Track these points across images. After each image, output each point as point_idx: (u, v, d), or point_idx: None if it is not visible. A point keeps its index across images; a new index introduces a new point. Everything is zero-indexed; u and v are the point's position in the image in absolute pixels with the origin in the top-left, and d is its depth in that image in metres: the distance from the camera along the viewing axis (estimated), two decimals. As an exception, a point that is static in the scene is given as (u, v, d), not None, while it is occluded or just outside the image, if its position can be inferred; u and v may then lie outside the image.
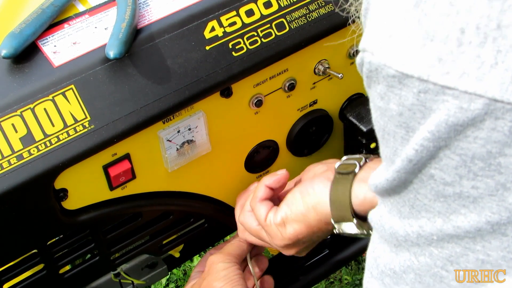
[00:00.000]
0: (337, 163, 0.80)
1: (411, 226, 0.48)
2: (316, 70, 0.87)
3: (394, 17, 0.44)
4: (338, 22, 0.84)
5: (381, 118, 0.48)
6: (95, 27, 0.78)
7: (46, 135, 0.70)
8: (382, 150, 0.50)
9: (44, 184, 0.71)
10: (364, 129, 0.91)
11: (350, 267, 1.93)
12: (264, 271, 0.93)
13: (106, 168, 0.76)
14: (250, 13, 0.80)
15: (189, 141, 0.80)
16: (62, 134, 0.71)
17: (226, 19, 0.79)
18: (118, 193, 0.79)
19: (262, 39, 0.80)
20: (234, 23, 0.79)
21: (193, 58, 0.77)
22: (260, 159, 0.92)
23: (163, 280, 2.00)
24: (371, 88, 0.47)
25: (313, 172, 0.86)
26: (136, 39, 0.76)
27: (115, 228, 0.84)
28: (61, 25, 0.78)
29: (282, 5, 0.81)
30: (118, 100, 0.73)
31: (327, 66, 0.87)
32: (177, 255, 1.07)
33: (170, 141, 0.79)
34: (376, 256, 0.52)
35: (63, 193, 0.74)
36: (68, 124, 0.71)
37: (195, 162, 0.83)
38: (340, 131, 0.97)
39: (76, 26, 0.78)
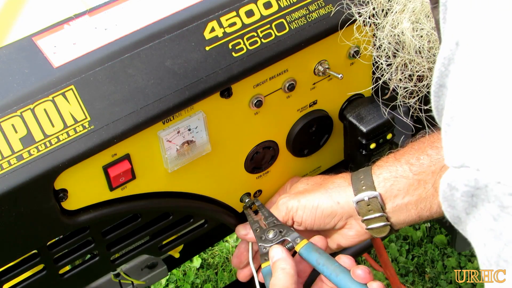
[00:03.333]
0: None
1: None
2: (316, 71, 0.87)
3: (506, 128, 0.39)
4: (337, 23, 0.84)
5: (494, 242, 0.42)
6: (95, 28, 0.78)
7: (46, 136, 0.70)
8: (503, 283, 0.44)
9: (44, 184, 0.71)
10: (364, 130, 0.91)
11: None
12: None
13: (106, 168, 0.76)
14: (250, 13, 0.80)
15: (189, 142, 0.80)
16: (62, 134, 0.71)
17: (226, 20, 0.79)
18: (118, 193, 0.79)
19: (262, 39, 0.80)
20: (234, 24, 0.79)
21: (193, 58, 0.77)
22: (260, 160, 0.92)
23: (163, 281, 2.00)
24: (477, 208, 0.42)
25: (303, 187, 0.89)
26: (136, 39, 0.76)
27: (115, 228, 0.84)
28: (61, 25, 0.78)
29: (282, 6, 0.81)
30: (118, 100, 0.73)
31: (327, 66, 0.87)
32: (177, 255, 1.07)
33: (170, 141, 0.79)
34: None
35: (63, 193, 0.74)
36: (68, 125, 0.71)
37: (195, 163, 0.83)
38: (340, 131, 0.97)
39: (76, 26, 0.78)
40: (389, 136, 0.94)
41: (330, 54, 0.87)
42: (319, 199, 0.86)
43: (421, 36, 0.75)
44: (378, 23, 0.78)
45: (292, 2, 0.82)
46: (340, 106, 0.95)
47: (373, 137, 0.92)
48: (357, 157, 0.96)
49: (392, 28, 0.75)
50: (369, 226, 0.85)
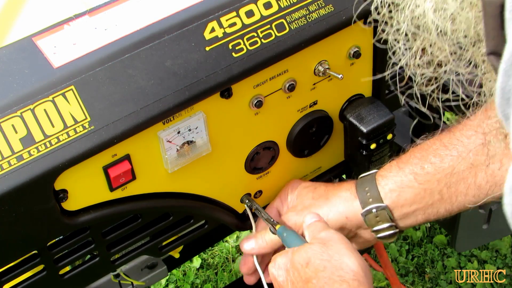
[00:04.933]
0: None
1: None
2: (316, 71, 0.87)
3: None
4: (338, 23, 0.84)
5: None
6: (95, 28, 0.78)
7: (46, 136, 0.70)
8: None
9: (44, 185, 0.71)
10: (364, 130, 0.91)
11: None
12: None
13: (106, 169, 0.76)
14: (250, 13, 0.80)
15: (189, 142, 0.80)
16: (62, 135, 0.71)
17: (226, 20, 0.79)
18: (118, 194, 0.79)
19: (262, 39, 0.80)
20: (234, 24, 0.79)
21: (193, 59, 0.77)
22: (260, 160, 0.92)
23: (163, 281, 2.00)
24: None
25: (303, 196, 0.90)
26: (136, 40, 0.76)
27: (115, 229, 0.84)
28: (61, 26, 0.78)
29: (282, 6, 0.81)
30: (118, 100, 0.73)
31: (327, 67, 0.87)
32: (176, 255, 1.07)
33: (170, 142, 0.79)
34: None
35: (63, 194, 0.74)
36: (68, 125, 0.71)
37: (195, 163, 0.83)
38: (340, 132, 0.97)
39: (76, 26, 0.78)
40: (389, 136, 0.94)
41: (330, 54, 0.87)
42: (327, 215, 0.87)
43: (444, 18, 0.73)
44: (397, 3, 0.76)
45: (292, 2, 0.82)
46: (340, 107, 0.95)
47: (373, 137, 0.92)
48: (358, 157, 0.95)
49: (413, 8, 0.73)
50: (379, 235, 0.86)
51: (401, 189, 0.83)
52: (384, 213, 0.83)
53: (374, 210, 0.84)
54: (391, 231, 0.85)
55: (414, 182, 0.82)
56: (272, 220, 0.90)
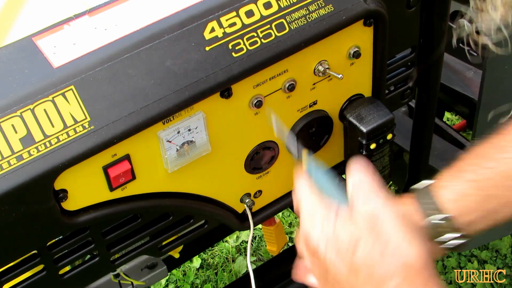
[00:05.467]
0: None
1: None
2: (316, 71, 0.87)
3: None
4: (338, 23, 0.84)
5: None
6: (95, 28, 0.78)
7: (46, 136, 0.70)
8: None
9: (44, 184, 0.71)
10: (364, 130, 0.91)
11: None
12: None
13: (106, 168, 0.76)
14: (250, 13, 0.80)
15: (189, 142, 0.80)
16: (62, 134, 0.71)
17: (226, 20, 0.79)
18: (118, 193, 0.79)
19: (262, 39, 0.80)
20: (234, 24, 0.79)
21: (193, 58, 0.77)
22: (260, 160, 0.92)
23: (163, 281, 2.00)
24: None
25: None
26: (136, 40, 0.76)
27: (115, 228, 0.84)
28: (61, 26, 0.78)
29: (282, 6, 0.81)
30: (118, 100, 0.73)
31: (327, 66, 0.87)
32: (176, 255, 1.07)
33: (170, 141, 0.79)
34: None
35: (63, 193, 0.74)
36: (68, 125, 0.71)
37: (195, 163, 0.83)
38: (340, 132, 0.97)
39: (76, 26, 0.78)
40: (389, 136, 0.94)
41: (330, 54, 0.87)
42: None
43: None
44: None
45: (292, 2, 0.82)
46: (340, 106, 0.95)
47: (373, 137, 0.92)
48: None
49: None
50: (445, 246, 0.85)
51: (461, 197, 0.81)
52: (447, 224, 0.82)
53: (437, 221, 0.83)
54: (458, 241, 0.84)
55: (473, 190, 0.81)
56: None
